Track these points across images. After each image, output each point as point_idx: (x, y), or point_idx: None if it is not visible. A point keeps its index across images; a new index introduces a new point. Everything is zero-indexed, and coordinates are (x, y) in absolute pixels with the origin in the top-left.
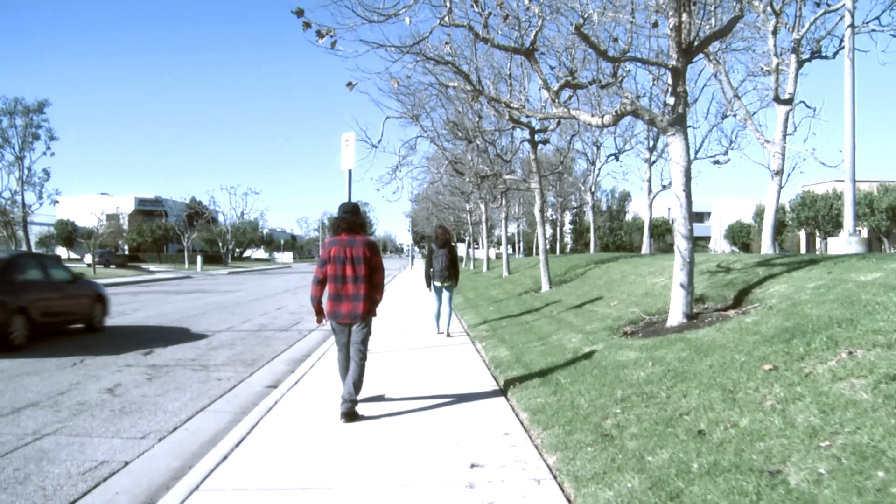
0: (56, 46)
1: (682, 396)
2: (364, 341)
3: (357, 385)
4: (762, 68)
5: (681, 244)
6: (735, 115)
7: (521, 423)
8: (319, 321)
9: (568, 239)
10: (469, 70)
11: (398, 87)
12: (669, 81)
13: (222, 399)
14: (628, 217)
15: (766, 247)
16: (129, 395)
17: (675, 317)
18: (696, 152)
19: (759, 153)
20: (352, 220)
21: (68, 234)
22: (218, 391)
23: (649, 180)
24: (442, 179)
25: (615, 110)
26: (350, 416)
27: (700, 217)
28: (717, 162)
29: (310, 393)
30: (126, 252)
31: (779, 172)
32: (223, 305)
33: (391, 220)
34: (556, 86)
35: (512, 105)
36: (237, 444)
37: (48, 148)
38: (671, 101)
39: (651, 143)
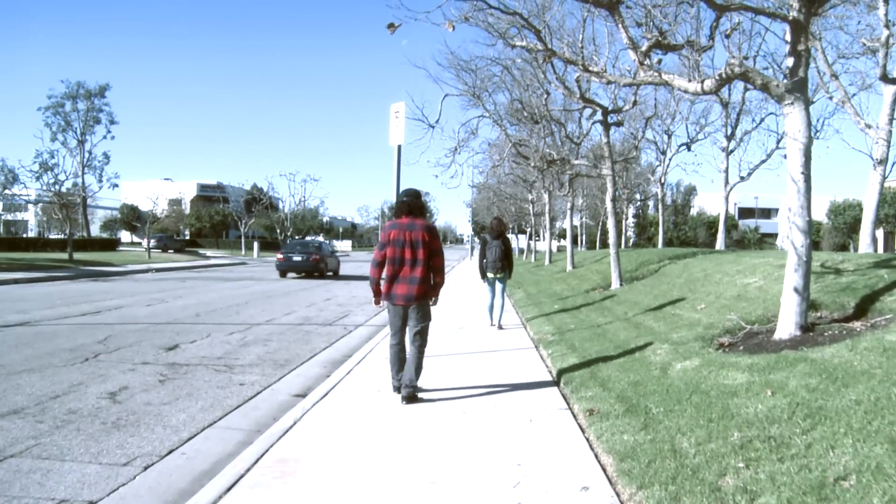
0: (120, 31)
1: (829, 448)
2: (423, 327)
3: (417, 370)
4: (864, 44)
5: (797, 239)
6: (832, 98)
7: (605, 472)
8: (377, 303)
9: (630, 233)
10: (539, 25)
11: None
12: (788, 38)
13: (238, 411)
14: (693, 212)
15: (865, 245)
16: (132, 403)
17: (786, 327)
18: (778, 142)
19: (858, 140)
20: (412, 203)
21: (132, 217)
22: (236, 400)
23: (726, 171)
24: (504, 166)
25: (719, 73)
26: (411, 399)
27: (767, 213)
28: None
29: (341, 407)
30: (187, 237)
31: (882, 161)
32: (269, 294)
33: (451, 211)
34: (644, 45)
35: (591, 68)
36: (231, 486)
37: (108, 131)
38: (790, 62)
39: (730, 130)
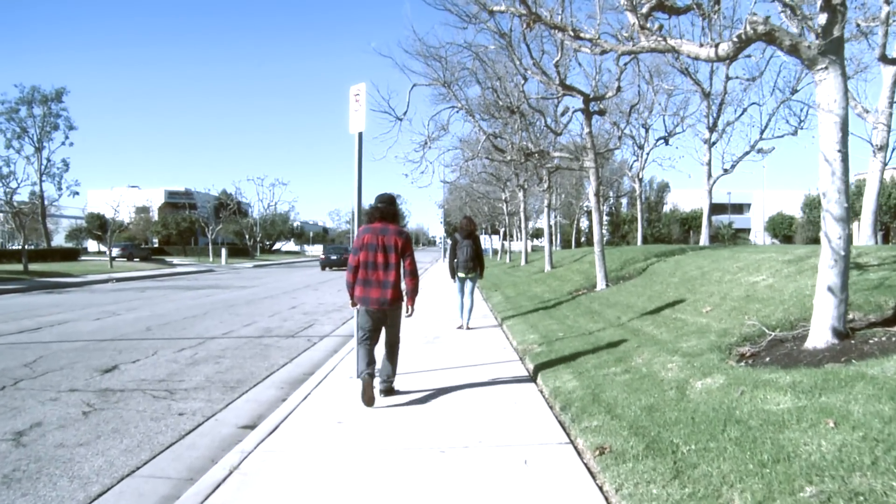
0: (80, 38)
1: None
2: (396, 331)
3: (394, 367)
4: (858, 25)
5: (832, 230)
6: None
7: None
8: (353, 305)
9: (604, 231)
10: None
11: (426, 49)
12: None
13: (170, 451)
14: (665, 208)
15: (866, 237)
16: (39, 445)
17: (821, 334)
18: (762, 132)
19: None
20: (385, 209)
21: (98, 226)
22: (170, 436)
23: (709, 163)
24: (476, 163)
25: (738, 35)
26: (388, 392)
27: (740, 208)
28: (760, 150)
29: (293, 445)
30: (156, 245)
31: (883, 147)
32: (231, 304)
33: (423, 212)
34: (644, 7)
35: (583, 34)
36: None
37: (67, 138)
38: (822, 18)
39: (712, 121)
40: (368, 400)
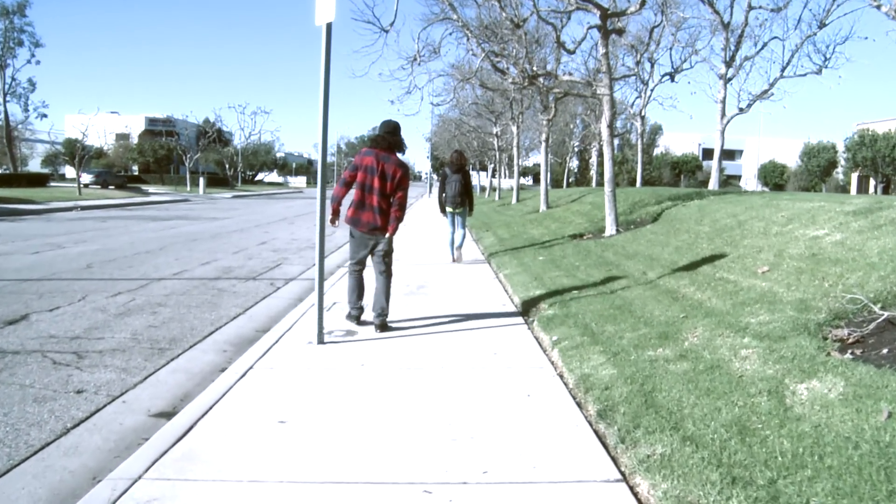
0: None
1: None
2: (389, 259)
3: (387, 298)
4: None
5: None
6: (879, 6)
7: None
8: (333, 222)
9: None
10: None
11: None
12: None
13: (34, 460)
14: (656, 151)
15: None
16: None
17: None
18: (783, 70)
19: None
20: (392, 140)
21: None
22: (49, 430)
23: (723, 101)
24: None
25: None
26: (383, 327)
27: (731, 154)
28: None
29: (216, 456)
30: (136, 173)
31: None
32: (195, 237)
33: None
34: None
35: None
36: None
37: (33, 55)
38: None
39: (729, 55)
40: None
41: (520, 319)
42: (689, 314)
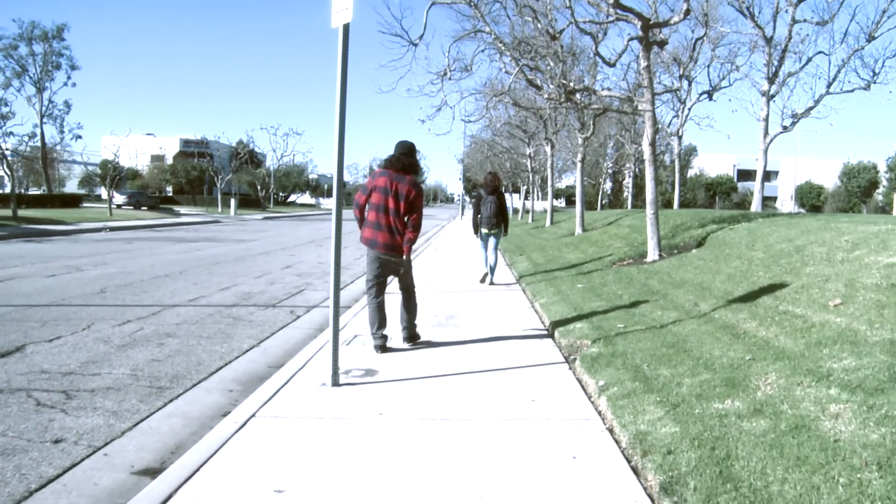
0: None
1: None
2: (410, 279)
3: (414, 312)
4: None
5: None
6: None
7: None
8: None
9: (627, 194)
10: None
11: None
12: None
13: None
14: (690, 173)
15: None
16: None
17: None
18: (829, 85)
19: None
20: (406, 161)
21: (118, 175)
22: (3, 497)
23: (766, 119)
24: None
25: None
26: (413, 338)
27: (766, 176)
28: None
29: None
30: (170, 194)
31: None
32: (217, 260)
33: (442, 168)
34: None
35: None
36: None
37: (69, 78)
38: None
39: (772, 71)
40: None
41: (559, 357)
42: (756, 356)
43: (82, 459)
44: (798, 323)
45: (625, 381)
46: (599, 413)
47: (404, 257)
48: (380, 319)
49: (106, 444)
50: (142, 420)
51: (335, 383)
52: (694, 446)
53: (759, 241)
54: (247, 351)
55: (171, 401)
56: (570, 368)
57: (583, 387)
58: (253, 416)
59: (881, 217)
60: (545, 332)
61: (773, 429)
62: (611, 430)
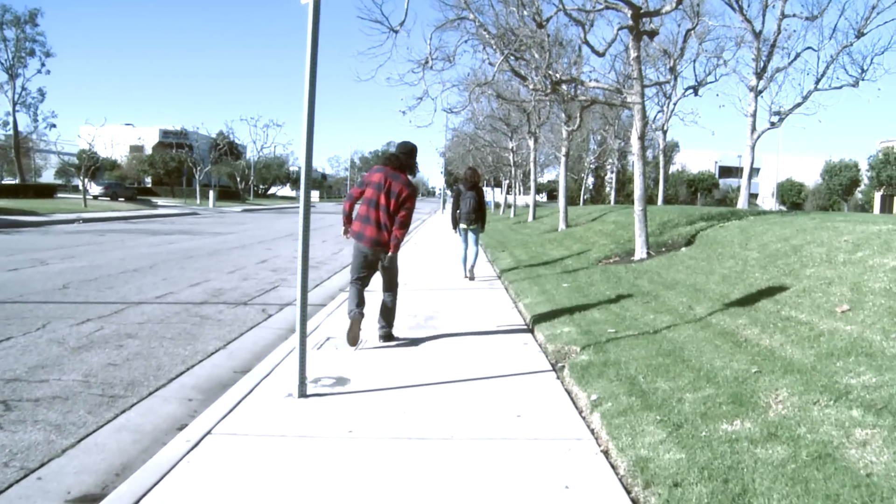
0: None
1: None
2: (393, 277)
3: (392, 315)
4: None
5: None
6: None
7: None
8: (345, 233)
9: (609, 189)
10: None
11: None
12: None
13: None
14: (672, 169)
15: None
16: None
17: None
18: (818, 82)
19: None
20: (405, 161)
21: (93, 165)
22: None
23: (753, 114)
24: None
25: None
26: (388, 337)
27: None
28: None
29: None
30: (149, 185)
31: None
32: (191, 254)
33: (424, 163)
34: None
35: None
36: None
37: (43, 65)
38: None
39: (761, 66)
40: (353, 339)
41: (546, 364)
42: (763, 368)
43: (10, 485)
44: (804, 331)
45: (619, 394)
46: (593, 432)
47: (390, 254)
48: (358, 299)
49: (42, 465)
50: (87, 435)
51: (302, 394)
52: (704, 478)
53: (753, 240)
54: (212, 354)
55: (123, 412)
56: (559, 378)
57: (573, 400)
58: (208, 433)
59: (884, 217)
60: (530, 336)
61: (792, 458)
62: (606, 454)
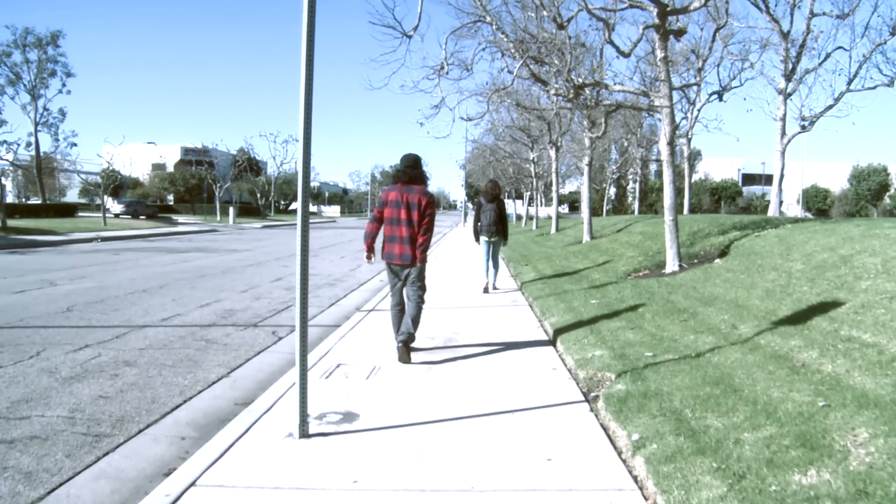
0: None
1: None
2: (421, 281)
3: (415, 323)
4: None
5: None
6: None
7: None
8: (368, 259)
9: (632, 199)
10: None
11: None
12: None
13: None
14: (695, 177)
15: None
16: None
17: None
18: (850, 82)
19: None
20: (412, 173)
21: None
22: None
23: (783, 118)
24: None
25: None
26: (406, 344)
27: (770, 179)
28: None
29: None
30: (171, 203)
31: None
32: (203, 273)
33: (444, 174)
34: None
35: None
36: None
37: (64, 85)
38: None
39: (789, 67)
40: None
41: (577, 394)
42: (831, 400)
43: None
44: (871, 354)
45: (665, 434)
46: (636, 480)
47: (417, 264)
48: (399, 321)
49: None
50: (60, 485)
51: (303, 434)
52: None
53: (795, 251)
54: (213, 383)
55: (106, 454)
56: (592, 410)
57: (610, 439)
58: (192, 484)
59: None
60: (558, 359)
61: None
62: None
